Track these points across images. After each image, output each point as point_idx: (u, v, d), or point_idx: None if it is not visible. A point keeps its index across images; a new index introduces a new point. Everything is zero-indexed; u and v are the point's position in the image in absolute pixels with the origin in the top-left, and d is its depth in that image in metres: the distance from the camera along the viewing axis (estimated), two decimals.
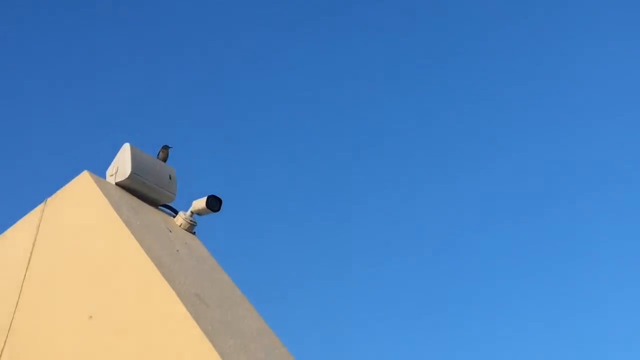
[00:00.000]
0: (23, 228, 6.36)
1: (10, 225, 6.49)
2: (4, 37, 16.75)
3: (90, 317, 5.68)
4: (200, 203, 6.40)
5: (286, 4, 17.92)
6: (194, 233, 6.47)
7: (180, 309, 5.36)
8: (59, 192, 6.32)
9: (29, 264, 6.15)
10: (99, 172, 6.38)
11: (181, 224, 6.43)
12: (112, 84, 17.11)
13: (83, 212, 6.14)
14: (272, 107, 17.70)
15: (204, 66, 17.73)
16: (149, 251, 5.67)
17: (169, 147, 6.70)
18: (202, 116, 17.29)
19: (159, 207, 6.55)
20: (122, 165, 6.33)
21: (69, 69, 16.96)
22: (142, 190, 6.40)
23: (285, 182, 17.39)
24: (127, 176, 6.30)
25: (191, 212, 6.47)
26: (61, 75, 16.85)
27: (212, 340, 5.23)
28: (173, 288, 5.46)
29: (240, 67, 17.86)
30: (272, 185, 17.35)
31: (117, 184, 6.33)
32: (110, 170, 6.40)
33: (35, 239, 6.20)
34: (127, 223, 5.84)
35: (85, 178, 6.20)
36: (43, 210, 6.28)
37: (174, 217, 6.51)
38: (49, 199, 6.34)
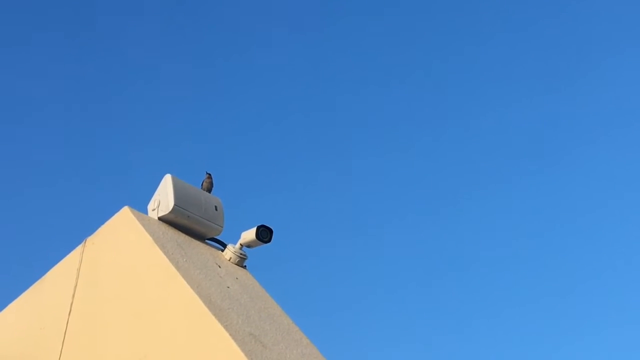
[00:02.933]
0: (63, 271, 6.12)
1: (50, 267, 6.23)
2: (54, 67, 16.62)
3: None
4: (249, 234, 6.08)
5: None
6: (244, 267, 6.14)
7: (234, 350, 5.04)
8: (98, 230, 6.07)
9: (71, 309, 5.90)
10: (140, 206, 6.09)
11: (230, 258, 6.10)
12: (149, 113, 16.94)
13: (125, 251, 5.86)
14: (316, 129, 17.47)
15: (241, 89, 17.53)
16: (198, 289, 5.37)
17: (211, 175, 6.39)
18: (242, 139, 17.08)
19: (206, 241, 6.22)
20: (164, 198, 6.03)
21: (104, 97, 16.82)
22: (186, 224, 6.08)
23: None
24: (170, 210, 5.99)
25: (240, 244, 6.14)
26: (96, 104, 16.72)
27: None
28: (226, 328, 5.15)
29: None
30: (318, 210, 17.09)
31: (159, 218, 6.02)
32: (151, 205, 6.10)
33: (76, 283, 5.95)
34: (173, 260, 5.54)
35: (125, 214, 5.92)
36: (83, 251, 6.03)
37: (223, 251, 6.18)
38: (88, 239, 6.07)
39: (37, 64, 16.70)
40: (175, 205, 5.99)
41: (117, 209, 6.00)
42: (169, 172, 6.16)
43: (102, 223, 6.06)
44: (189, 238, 6.06)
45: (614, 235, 17.52)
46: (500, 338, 16.76)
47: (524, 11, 17.86)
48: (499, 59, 17.86)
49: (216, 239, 6.27)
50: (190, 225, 6.10)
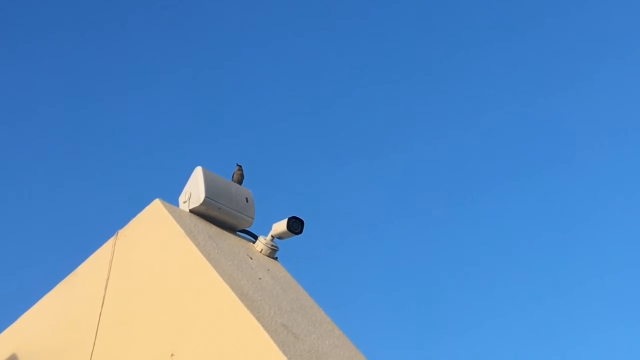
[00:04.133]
0: (95, 264, 6.12)
1: (82, 261, 6.24)
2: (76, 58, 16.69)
3: (172, 355, 5.37)
4: (280, 226, 6.05)
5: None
6: (275, 258, 6.12)
7: (267, 341, 5.01)
8: (130, 223, 6.05)
9: (103, 301, 5.89)
10: (171, 199, 6.08)
11: (262, 250, 6.08)
12: (177, 104, 16.96)
13: (157, 244, 5.85)
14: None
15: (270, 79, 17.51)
16: (229, 281, 5.34)
17: (241, 167, 6.37)
18: (273, 131, 17.07)
19: (237, 232, 6.20)
20: (195, 190, 6.01)
21: (135, 91, 16.86)
22: (217, 216, 6.07)
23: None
24: (201, 202, 5.97)
25: (271, 236, 6.12)
26: (125, 97, 16.76)
27: None
28: (258, 319, 5.12)
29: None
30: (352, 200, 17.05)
31: (191, 210, 6.01)
32: (182, 197, 6.08)
33: (108, 276, 5.94)
34: (205, 252, 5.52)
35: (157, 207, 5.90)
36: (115, 244, 6.02)
37: (254, 242, 6.16)
38: (120, 231, 6.07)
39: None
40: (206, 197, 5.98)
41: (148, 201, 6.01)
42: (199, 165, 6.16)
43: (134, 216, 6.07)
44: (220, 230, 6.04)
45: (614, 235, 17.39)
46: (500, 338, 16.69)
47: (523, 10, 17.74)
48: (498, 60, 17.78)
49: (247, 231, 6.25)
50: (221, 217, 6.09)
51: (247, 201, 6.21)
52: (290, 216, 6.05)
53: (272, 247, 6.11)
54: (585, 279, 17.20)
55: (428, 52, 17.79)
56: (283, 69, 17.49)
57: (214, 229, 5.98)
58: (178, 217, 5.83)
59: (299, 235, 6.08)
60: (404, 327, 16.25)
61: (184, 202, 6.06)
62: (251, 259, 5.89)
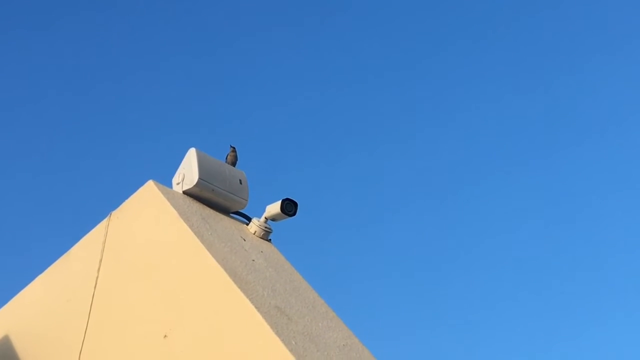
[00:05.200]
0: (88, 245, 6.10)
1: (75, 241, 6.23)
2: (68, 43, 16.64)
3: (165, 336, 5.37)
4: (274, 208, 6.03)
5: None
6: (269, 240, 6.11)
7: (260, 323, 5.01)
8: (123, 204, 6.04)
9: (96, 282, 5.89)
10: (165, 180, 6.06)
11: (255, 232, 6.07)
12: (171, 85, 16.92)
13: (150, 225, 5.84)
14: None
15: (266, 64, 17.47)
16: (223, 263, 5.33)
17: (235, 148, 6.34)
18: (267, 113, 17.03)
19: (231, 214, 6.19)
20: (188, 172, 5.99)
21: (124, 74, 16.81)
22: (211, 198, 6.05)
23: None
24: (194, 183, 5.95)
25: (265, 218, 6.10)
26: (117, 79, 16.71)
27: (297, 356, 4.87)
28: (251, 301, 5.11)
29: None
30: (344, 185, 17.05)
31: (184, 192, 6.00)
32: (176, 179, 6.06)
33: (101, 256, 5.92)
34: (198, 234, 5.51)
35: (150, 188, 5.89)
36: (108, 225, 6.00)
37: (247, 224, 6.15)
38: (113, 212, 6.05)
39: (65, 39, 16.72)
40: (199, 178, 5.96)
41: (142, 182, 5.99)
42: (193, 146, 6.14)
43: (127, 197, 6.05)
44: (214, 212, 6.03)
45: (614, 231, 17.38)
46: (501, 336, 16.72)
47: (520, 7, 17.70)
48: (497, 54, 17.74)
49: (241, 213, 6.23)
50: (214, 198, 6.07)
51: (240, 183, 6.19)
52: (284, 198, 6.03)
53: (266, 229, 6.10)
54: (583, 274, 17.25)
55: (429, 48, 17.77)
56: (276, 54, 17.45)
57: (208, 211, 5.96)
58: (171, 198, 5.81)
59: (293, 217, 6.07)
60: (398, 311, 16.27)
61: (178, 183, 6.04)
62: (244, 240, 5.88)
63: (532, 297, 16.79)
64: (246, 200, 6.21)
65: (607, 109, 17.30)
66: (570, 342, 16.47)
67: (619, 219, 17.08)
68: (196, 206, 5.92)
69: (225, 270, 5.27)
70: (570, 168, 17.63)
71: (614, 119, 17.34)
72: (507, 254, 17.11)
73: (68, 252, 6.24)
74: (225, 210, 6.15)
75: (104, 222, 6.06)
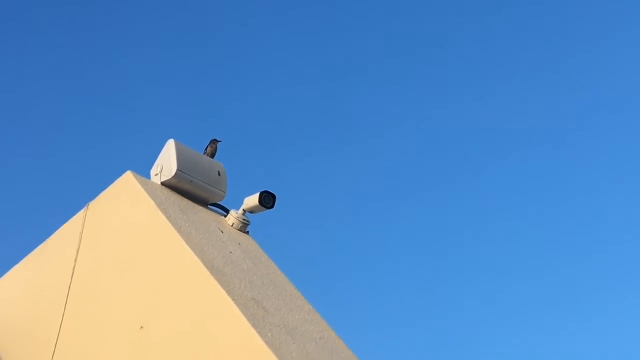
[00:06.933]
0: (65, 235, 6.09)
1: (52, 232, 6.20)
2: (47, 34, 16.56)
3: (141, 327, 5.37)
4: (252, 200, 6.04)
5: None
6: (247, 232, 6.11)
7: (236, 315, 5.02)
8: (101, 195, 6.03)
9: (73, 272, 5.87)
10: (143, 171, 6.05)
11: (233, 224, 6.07)
12: (151, 79, 16.88)
13: (128, 216, 5.83)
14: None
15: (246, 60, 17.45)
16: (200, 254, 5.33)
17: (218, 141, 6.34)
18: (246, 106, 17.01)
19: (209, 206, 6.19)
20: (167, 163, 5.99)
21: (104, 64, 16.75)
22: (189, 189, 6.05)
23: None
24: (172, 174, 5.95)
25: (243, 210, 6.11)
26: (96, 71, 16.64)
27: (272, 348, 4.89)
28: (228, 293, 5.12)
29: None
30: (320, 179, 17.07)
31: (162, 183, 5.99)
32: (154, 169, 6.06)
33: (79, 246, 5.91)
34: (176, 225, 5.50)
35: (128, 179, 5.88)
36: (85, 215, 5.99)
37: (225, 216, 6.15)
38: (91, 203, 6.04)
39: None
40: (178, 170, 5.96)
41: (120, 173, 5.98)
42: (172, 137, 6.13)
43: (105, 187, 6.03)
44: (192, 203, 6.02)
45: (617, 231, 17.44)
46: (501, 337, 16.78)
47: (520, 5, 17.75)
48: (498, 52, 17.78)
49: (219, 205, 6.24)
50: (193, 190, 6.07)
51: (219, 175, 6.19)
52: (262, 190, 6.04)
53: (244, 221, 6.10)
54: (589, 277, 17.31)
55: (431, 48, 17.79)
56: (257, 45, 17.43)
57: (186, 202, 5.96)
58: (149, 189, 5.81)
59: (271, 209, 6.08)
60: (376, 305, 16.30)
61: (156, 174, 6.04)
62: (222, 232, 5.88)
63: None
64: (224, 192, 6.21)
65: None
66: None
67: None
68: (174, 197, 5.92)
69: (203, 261, 5.28)
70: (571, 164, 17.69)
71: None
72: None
73: (45, 241, 6.23)
74: (203, 202, 6.15)
75: (82, 212, 6.04)
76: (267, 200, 6.04)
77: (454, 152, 17.51)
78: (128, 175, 5.89)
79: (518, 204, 17.39)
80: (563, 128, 17.62)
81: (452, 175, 17.42)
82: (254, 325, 4.95)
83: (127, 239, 5.79)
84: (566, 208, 17.30)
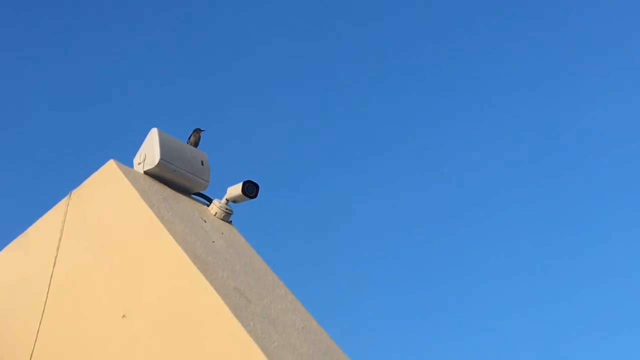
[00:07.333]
0: (48, 224, 6.05)
1: (33, 221, 6.17)
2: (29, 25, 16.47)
3: (124, 316, 5.36)
4: (235, 190, 6.04)
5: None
6: (230, 222, 6.11)
7: (219, 304, 5.02)
8: (83, 183, 6.00)
9: (55, 262, 5.85)
10: (126, 160, 6.04)
11: (216, 213, 6.07)
12: (134, 67, 16.82)
13: (111, 205, 5.81)
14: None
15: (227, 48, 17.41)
16: (182, 243, 5.33)
17: (201, 131, 6.34)
18: (228, 96, 16.97)
19: (192, 195, 6.18)
20: (150, 152, 5.97)
21: (89, 52, 16.68)
22: (172, 179, 6.04)
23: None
24: (155, 164, 5.94)
25: (226, 199, 6.10)
26: (80, 60, 16.57)
27: (255, 338, 4.90)
28: (211, 282, 5.12)
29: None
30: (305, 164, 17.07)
31: (145, 172, 5.97)
32: (137, 159, 6.05)
33: (61, 236, 5.88)
34: (158, 214, 5.50)
35: (111, 168, 5.86)
36: (68, 204, 5.97)
37: (208, 206, 6.14)
38: (73, 192, 6.02)
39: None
40: (161, 159, 5.94)
41: (103, 162, 5.96)
42: (155, 127, 6.12)
43: (88, 176, 6.01)
44: (175, 192, 6.01)
45: (618, 239, 17.46)
46: (501, 342, 16.80)
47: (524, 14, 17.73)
48: (504, 64, 17.74)
49: (202, 194, 6.23)
50: (176, 179, 6.06)
51: (202, 164, 6.18)
52: (245, 180, 6.03)
53: (227, 211, 6.10)
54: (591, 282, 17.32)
55: (434, 54, 17.77)
56: (241, 35, 17.40)
57: (169, 191, 5.95)
58: (132, 178, 5.79)
59: (254, 199, 6.07)
60: (359, 296, 16.32)
61: (139, 163, 6.02)
62: (205, 222, 5.87)
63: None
64: (207, 181, 6.21)
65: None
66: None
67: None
68: (157, 186, 5.91)
69: (185, 251, 5.27)
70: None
71: None
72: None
73: (26, 231, 6.19)
74: (186, 191, 6.14)
75: (64, 200, 6.02)
76: (250, 190, 6.04)
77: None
78: (111, 164, 5.87)
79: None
80: None
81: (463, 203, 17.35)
82: (237, 315, 4.96)
83: (110, 227, 5.77)
84: None
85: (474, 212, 17.22)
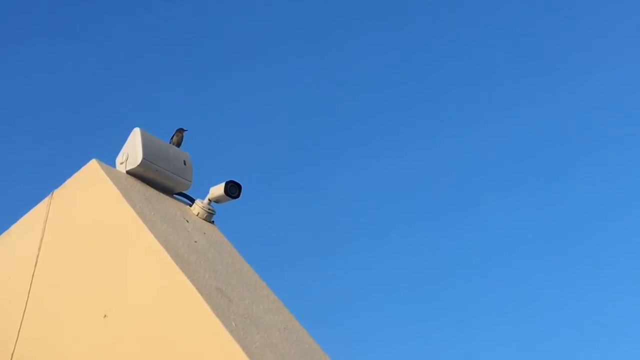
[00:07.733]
0: (29, 224, 6.05)
1: (15, 220, 6.17)
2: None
3: (105, 316, 5.35)
4: (218, 190, 6.03)
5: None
6: (212, 222, 6.10)
7: (201, 304, 5.01)
8: (65, 183, 5.99)
9: (36, 262, 5.84)
10: (108, 160, 6.03)
11: (198, 213, 6.06)
12: (119, 66, 16.78)
13: (93, 204, 5.80)
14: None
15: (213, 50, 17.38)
16: (164, 243, 5.32)
17: (184, 130, 6.33)
18: (211, 97, 16.96)
19: (174, 195, 6.18)
20: (132, 151, 5.97)
21: (71, 51, 16.64)
22: (155, 178, 6.03)
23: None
24: (138, 163, 5.93)
25: (209, 199, 6.10)
26: (64, 58, 16.54)
27: (236, 338, 4.89)
28: (192, 282, 5.11)
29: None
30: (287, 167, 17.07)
31: (127, 172, 5.97)
32: (119, 158, 6.03)
33: (42, 235, 5.87)
34: (140, 214, 5.49)
35: (93, 167, 5.85)
36: (50, 204, 5.96)
37: (191, 206, 6.14)
38: (55, 191, 6.00)
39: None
40: (143, 158, 5.93)
41: (85, 161, 5.95)
42: (138, 126, 6.11)
43: (70, 176, 6.00)
44: (157, 192, 6.00)
45: (618, 237, 17.51)
46: (501, 341, 16.82)
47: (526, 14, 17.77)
48: (504, 63, 17.78)
49: (184, 194, 6.22)
50: (158, 179, 6.05)
51: (185, 164, 6.18)
52: (227, 180, 6.03)
53: (209, 211, 6.09)
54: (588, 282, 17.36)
55: (437, 53, 17.78)
56: (227, 32, 17.38)
57: (151, 191, 5.94)
58: (114, 178, 5.78)
59: (237, 199, 6.07)
60: (343, 296, 16.34)
61: (121, 163, 6.01)
62: (187, 222, 5.87)
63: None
64: (190, 181, 6.20)
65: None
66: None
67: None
68: (139, 186, 5.90)
69: (167, 250, 5.26)
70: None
71: None
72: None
73: (8, 230, 6.18)
74: (168, 191, 6.13)
75: (46, 200, 6.01)
76: (233, 190, 6.03)
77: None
78: (93, 164, 5.86)
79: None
80: None
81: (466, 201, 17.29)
82: (218, 315, 4.95)
83: (92, 227, 5.76)
84: None
85: (474, 211, 17.28)
